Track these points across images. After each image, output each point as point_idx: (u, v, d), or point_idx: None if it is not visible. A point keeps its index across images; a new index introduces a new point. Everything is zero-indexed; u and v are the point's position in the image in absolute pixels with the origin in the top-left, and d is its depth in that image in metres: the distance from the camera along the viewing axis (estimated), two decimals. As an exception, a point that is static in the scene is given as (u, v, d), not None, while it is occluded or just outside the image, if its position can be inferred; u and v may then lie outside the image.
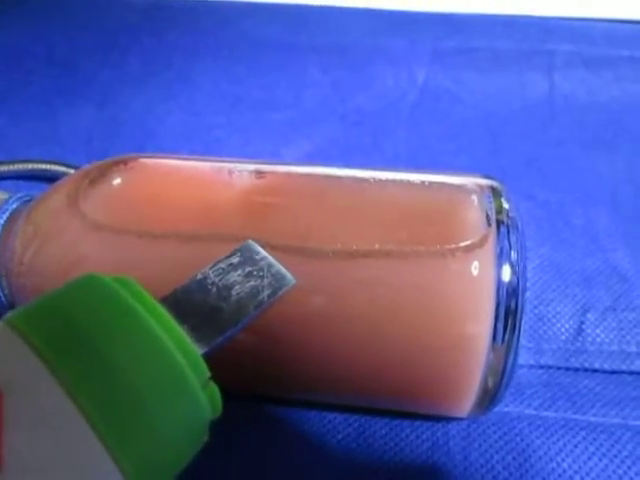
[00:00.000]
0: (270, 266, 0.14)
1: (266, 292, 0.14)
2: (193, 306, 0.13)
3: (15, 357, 0.11)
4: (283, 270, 0.15)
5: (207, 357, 0.13)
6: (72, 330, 0.11)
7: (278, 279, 0.14)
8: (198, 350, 0.13)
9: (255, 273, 0.14)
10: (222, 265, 0.14)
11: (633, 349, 0.22)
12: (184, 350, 0.12)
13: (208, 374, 0.13)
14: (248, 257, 0.15)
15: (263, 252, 0.15)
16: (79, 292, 0.12)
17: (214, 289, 0.14)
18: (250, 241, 0.15)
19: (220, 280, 0.14)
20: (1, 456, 0.10)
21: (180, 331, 0.13)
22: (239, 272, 0.14)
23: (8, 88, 0.32)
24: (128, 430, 0.11)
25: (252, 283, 0.14)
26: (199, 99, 0.31)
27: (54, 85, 0.32)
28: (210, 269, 0.14)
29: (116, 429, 0.11)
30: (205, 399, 0.12)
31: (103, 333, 0.11)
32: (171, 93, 0.32)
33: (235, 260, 0.14)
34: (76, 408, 0.10)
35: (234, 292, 0.14)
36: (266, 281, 0.14)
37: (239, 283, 0.14)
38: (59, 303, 0.12)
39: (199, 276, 0.14)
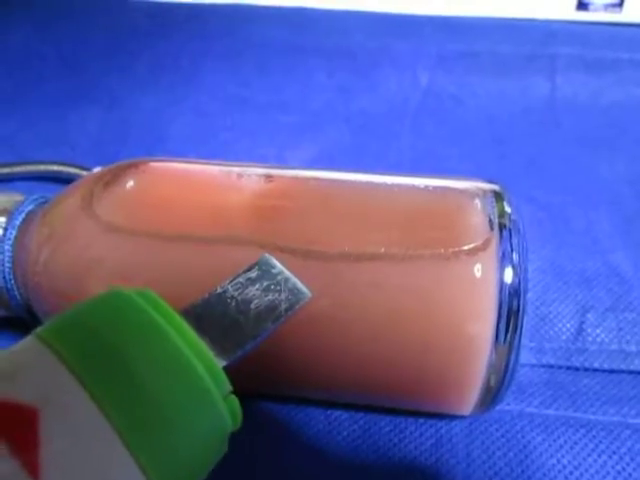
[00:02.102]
0: (287, 280, 0.15)
1: (283, 306, 0.14)
2: (213, 320, 0.14)
3: (50, 374, 0.11)
4: (299, 284, 0.15)
5: (226, 370, 0.13)
6: (101, 345, 0.12)
7: (295, 293, 0.15)
8: (219, 363, 0.13)
9: (273, 287, 0.15)
10: (241, 279, 0.14)
11: (632, 349, 0.22)
12: (206, 364, 0.13)
13: (229, 387, 0.13)
14: (266, 271, 0.15)
15: (280, 266, 0.15)
16: (106, 308, 0.13)
17: (233, 303, 0.14)
18: (267, 255, 0.15)
19: (239, 294, 0.14)
20: (39, 467, 0.10)
21: (202, 345, 0.13)
22: (257, 286, 0.14)
23: (18, 90, 0.32)
24: (154, 440, 0.11)
25: (270, 297, 0.14)
26: (206, 102, 0.32)
27: (64, 88, 0.32)
28: (229, 283, 0.14)
29: (143, 439, 0.11)
30: (226, 411, 0.13)
31: (130, 348, 0.12)
32: (179, 96, 0.32)
33: (253, 274, 0.15)
34: (106, 420, 0.11)
35: (253, 306, 0.14)
36: (283, 295, 0.14)
37: (257, 297, 0.14)
38: (87, 319, 0.12)
39: (218, 290, 0.14)
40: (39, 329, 0.12)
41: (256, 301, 0.14)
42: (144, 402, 0.11)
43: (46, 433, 0.11)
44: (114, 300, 0.13)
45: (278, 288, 0.15)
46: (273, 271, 0.15)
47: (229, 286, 0.14)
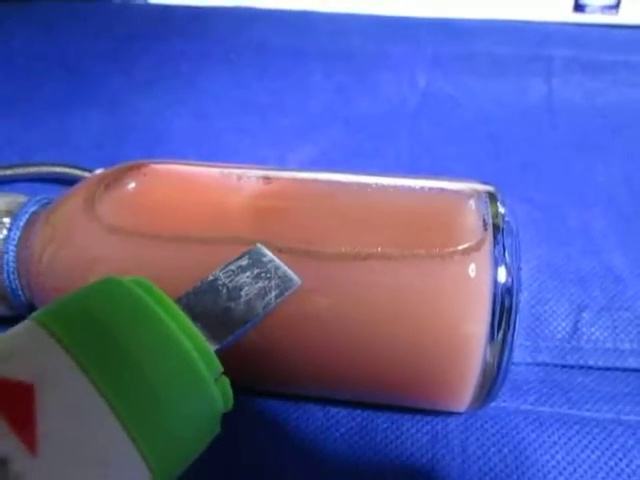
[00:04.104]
0: (277, 268, 0.15)
1: (273, 293, 0.15)
2: (205, 306, 0.14)
3: (45, 353, 0.12)
4: (289, 272, 0.15)
5: (218, 353, 0.14)
6: (96, 328, 0.12)
7: (285, 281, 0.15)
8: (211, 346, 0.14)
9: (263, 275, 0.15)
10: (232, 267, 0.15)
11: (627, 347, 0.22)
12: (198, 346, 0.13)
13: (220, 369, 0.14)
14: (256, 259, 0.15)
15: (271, 255, 0.15)
16: (101, 293, 0.13)
17: (224, 290, 0.15)
18: (258, 244, 0.16)
19: (230, 281, 0.15)
20: (36, 444, 0.11)
21: (194, 329, 0.13)
22: (248, 274, 0.15)
23: (21, 92, 0.33)
24: (147, 419, 0.12)
25: (260, 284, 0.15)
26: (207, 104, 0.32)
27: (66, 90, 0.33)
28: (221, 271, 0.15)
29: (137, 418, 0.12)
30: (217, 392, 0.13)
31: (124, 331, 0.12)
32: (179, 98, 0.32)
33: (244, 262, 0.15)
34: (101, 399, 0.11)
35: (243, 293, 0.15)
36: (273, 282, 0.15)
37: (248, 284, 0.15)
38: (83, 303, 0.13)
39: (210, 277, 0.15)
40: (35, 313, 0.13)
41: (246, 288, 0.15)
42: (137, 381, 0.12)
43: (42, 409, 0.11)
44: (109, 286, 0.13)
45: (268, 275, 0.15)
46: (264, 259, 0.15)
47: (220, 273, 0.15)
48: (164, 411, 0.12)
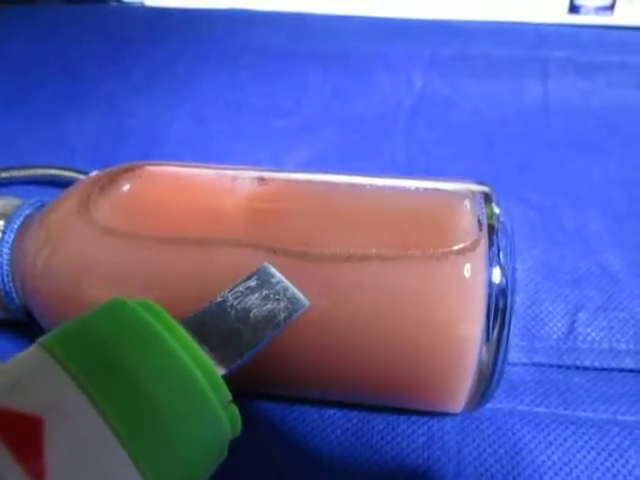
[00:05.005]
0: (286, 290, 0.15)
1: (282, 315, 0.14)
2: (213, 328, 0.14)
3: (53, 382, 0.11)
4: (298, 293, 0.15)
5: (226, 378, 0.14)
6: (103, 355, 0.12)
7: (293, 302, 0.15)
8: (219, 372, 0.13)
9: (272, 296, 0.15)
10: (240, 288, 0.15)
11: (623, 347, 0.22)
12: (207, 374, 0.13)
13: (229, 396, 0.13)
14: (265, 280, 0.15)
15: (279, 275, 0.15)
16: (109, 318, 0.13)
17: (233, 312, 0.14)
18: (266, 264, 0.15)
19: (239, 303, 0.14)
20: (45, 476, 0.10)
21: (203, 355, 0.13)
22: (257, 295, 0.15)
23: (18, 95, 0.33)
24: (155, 449, 0.12)
25: (269, 306, 0.14)
26: (203, 106, 0.32)
27: (62, 92, 0.33)
28: (229, 292, 0.15)
29: (144, 448, 0.11)
30: (226, 420, 0.13)
31: (132, 358, 0.12)
32: (176, 100, 0.32)
33: (253, 283, 0.15)
34: (109, 430, 0.11)
35: (252, 315, 0.14)
36: (282, 304, 0.15)
37: (257, 306, 0.14)
38: (90, 329, 0.13)
39: (218, 299, 0.14)
40: (42, 338, 0.12)
41: (255, 310, 0.14)
42: (146, 411, 0.12)
43: (51, 443, 0.11)
44: (116, 310, 0.13)
45: (277, 297, 0.15)
46: (272, 280, 0.15)
47: (229, 295, 0.14)
48: (172, 441, 0.12)
